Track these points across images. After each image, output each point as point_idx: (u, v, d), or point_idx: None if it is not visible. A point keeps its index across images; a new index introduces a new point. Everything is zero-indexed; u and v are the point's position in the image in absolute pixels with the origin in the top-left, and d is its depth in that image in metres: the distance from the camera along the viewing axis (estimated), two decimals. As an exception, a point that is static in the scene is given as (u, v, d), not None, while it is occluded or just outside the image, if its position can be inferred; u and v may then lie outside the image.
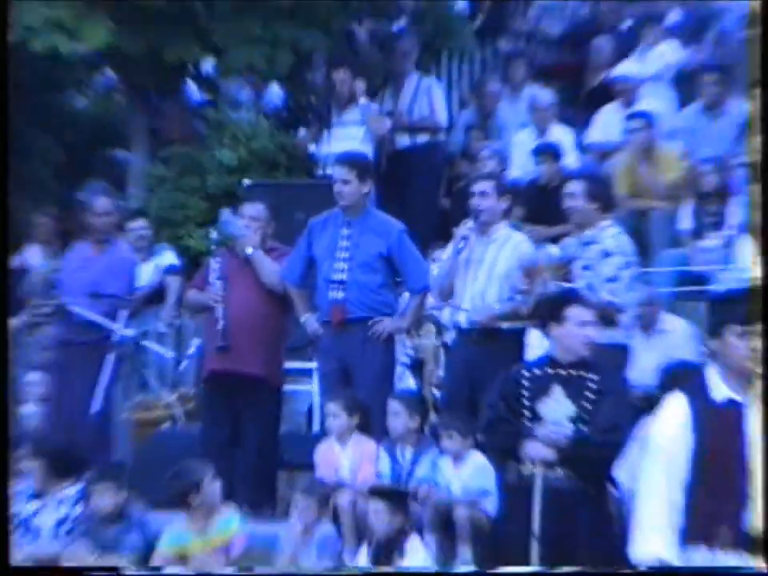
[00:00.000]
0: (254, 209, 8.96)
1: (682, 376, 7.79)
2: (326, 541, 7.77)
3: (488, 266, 8.26)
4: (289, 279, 8.73)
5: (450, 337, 8.75)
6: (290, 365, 9.22)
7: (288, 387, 9.27)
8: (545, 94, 11.76)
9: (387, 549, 7.54)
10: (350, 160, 8.82)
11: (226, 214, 9.28)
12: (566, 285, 7.97)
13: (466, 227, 8.28)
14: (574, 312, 6.76)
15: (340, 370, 8.52)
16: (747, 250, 9.41)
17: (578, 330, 6.73)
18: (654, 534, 5.53)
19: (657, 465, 5.59)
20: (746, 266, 9.28)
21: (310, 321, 8.62)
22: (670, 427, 5.58)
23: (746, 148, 10.78)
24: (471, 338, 8.26)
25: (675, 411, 5.60)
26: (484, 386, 7.65)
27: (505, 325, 8.19)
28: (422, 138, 11.73)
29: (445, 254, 8.65)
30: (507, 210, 8.44)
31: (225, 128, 12.13)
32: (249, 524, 8.16)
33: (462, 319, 8.31)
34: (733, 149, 10.91)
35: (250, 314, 8.72)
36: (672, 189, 10.65)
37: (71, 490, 8.29)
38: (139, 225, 11.12)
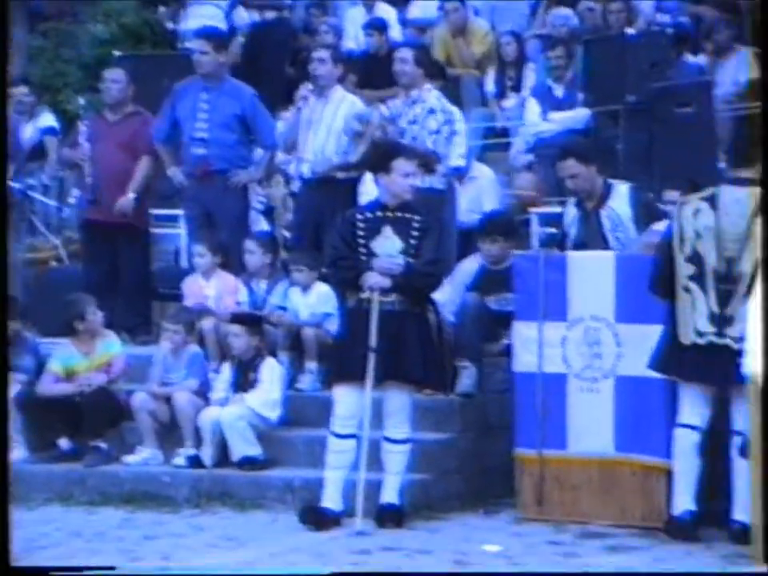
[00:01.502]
0: (113, 73, 8.81)
1: (498, 221, 7.92)
2: (193, 359, 7.73)
3: (326, 123, 8.24)
4: (157, 138, 8.59)
5: (296, 186, 8.70)
6: (159, 212, 9.11)
7: (158, 231, 9.17)
8: (371, -24, 11.64)
9: (246, 366, 7.53)
10: (207, 34, 8.76)
11: None
12: (393, 139, 7.96)
13: (305, 89, 8.29)
14: (399, 164, 6.72)
15: (203, 215, 8.50)
16: (534, 108, 9.41)
17: (402, 180, 6.70)
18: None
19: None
20: (534, 121, 9.31)
21: (176, 174, 8.52)
22: None
23: (536, 22, 10.91)
24: (313, 187, 8.25)
25: None
26: (325, 228, 7.73)
27: (341, 174, 8.20)
28: (270, 15, 11.58)
29: (289, 113, 8.58)
30: (342, 75, 8.43)
31: (97, 4, 11.85)
32: (127, 347, 8.13)
33: (306, 170, 8.29)
34: (528, 23, 10.99)
35: (115, 170, 8.55)
36: (480, 59, 10.70)
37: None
38: (21, 91, 10.74)
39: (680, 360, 6.26)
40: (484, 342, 7.48)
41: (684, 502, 6.30)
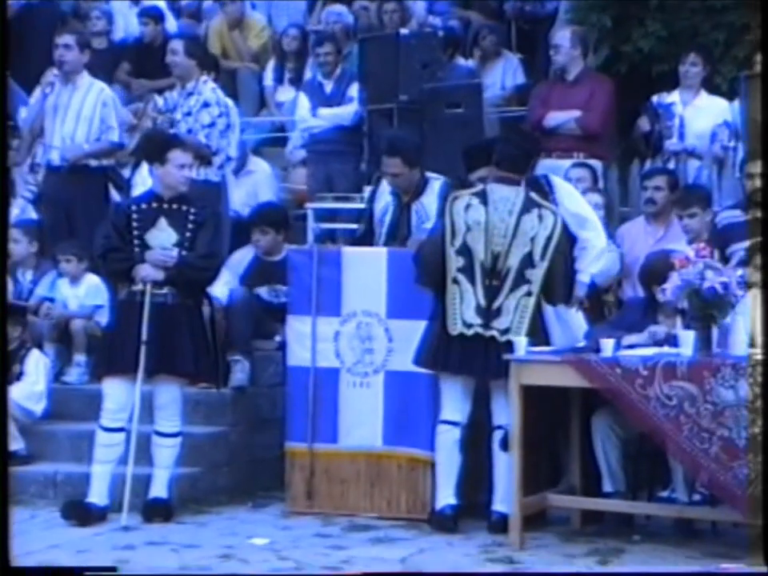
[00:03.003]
0: None
1: (267, 212, 7.98)
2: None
3: (75, 110, 8.18)
4: None
5: (43, 173, 8.51)
6: None
7: None
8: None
9: (9, 360, 7.31)
10: None
11: None
12: (168, 130, 7.94)
13: (51, 74, 8.21)
14: (175, 155, 6.72)
15: None
16: (304, 104, 9.42)
17: (177, 171, 6.71)
18: None
19: None
20: (304, 116, 9.38)
21: None
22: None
23: (314, 18, 10.99)
24: (62, 175, 8.16)
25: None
26: (77, 216, 7.63)
27: (93, 162, 8.17)
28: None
29: (32, 99, 8.46)
30: (87, 61, 8.35)
31: None
32: None
33: (55, 157, 8.20)
34: (304, 19, 11.08)
35: None
36: (257, 53, 10.74)
37: None
38: None
39: (447, 353, 6.42)
40: (256, 336, 7.55)
41: (445, 495, 6.50)
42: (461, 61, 10.17)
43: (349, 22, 10.64)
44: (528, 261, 6.36)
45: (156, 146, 6.90)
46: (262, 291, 7.62)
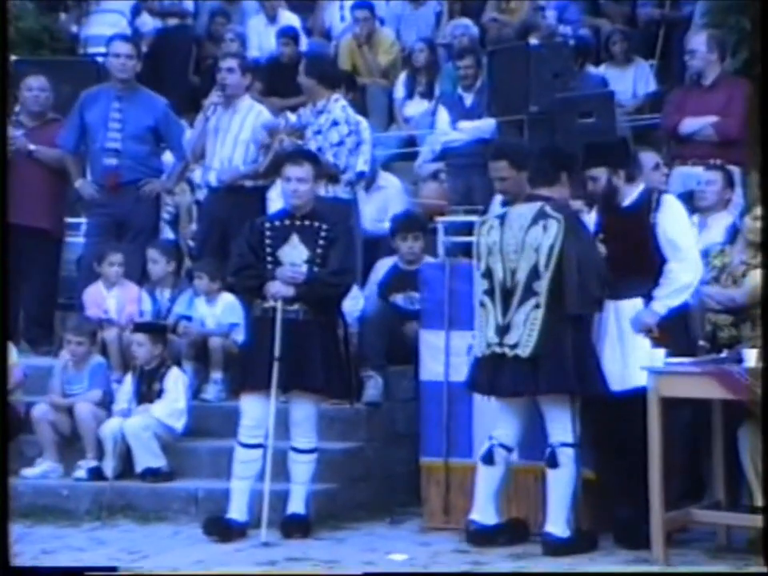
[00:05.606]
0: (38, 80, 8.73)
1: (408, 222, 7.96)
2: (96, 370, 7.65)
3: (234, 133, 8.22)
4: (64, 147, 8.49)
5: (202, 194, 8.68)
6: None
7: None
8: (274, -17, 11.60)
9: (150, 376, 7.48)
10: (131, 39, 9.00)
11: None
12: (299, 147, 7.95)
13: (215, 96, 8.23)
14: (285, 169, 6.72)
15: (113, 224, 8.37)
16: (444, 117, 9.41)
17: (284, 184, 6.72)
18: None
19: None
20: (444, 130, 9.34)
21: (84, 185, 8.42)
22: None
23: (441, 32, 10.95)
24: (220, 195, 8.23)
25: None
26: (231, 237, 7.71)
27: (249, 183, 8.19)
28: (173, 22, 11.51)
29: (196, 121, 8.52)
30: (249, 84, 8.44)
31: (-8, 8, 11.60)
32: (27, 357, 8.00)
33: (212, 179, 8.27)
34: (434, 32, 11.07)
35: (36, 180, 8.47)
36: (386, 68, 10.76)
37: None
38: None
39: (476, 374, 6.40)
40: (391, 348, 7.46)
41: (476, 509, 6.37)
42: (592, 69, 10.02)
43: (475, 35, 10.59)
44: (534, 273, 6.23)
45: (279, 164, 6.95)
46: (398, 298, 7.60)
